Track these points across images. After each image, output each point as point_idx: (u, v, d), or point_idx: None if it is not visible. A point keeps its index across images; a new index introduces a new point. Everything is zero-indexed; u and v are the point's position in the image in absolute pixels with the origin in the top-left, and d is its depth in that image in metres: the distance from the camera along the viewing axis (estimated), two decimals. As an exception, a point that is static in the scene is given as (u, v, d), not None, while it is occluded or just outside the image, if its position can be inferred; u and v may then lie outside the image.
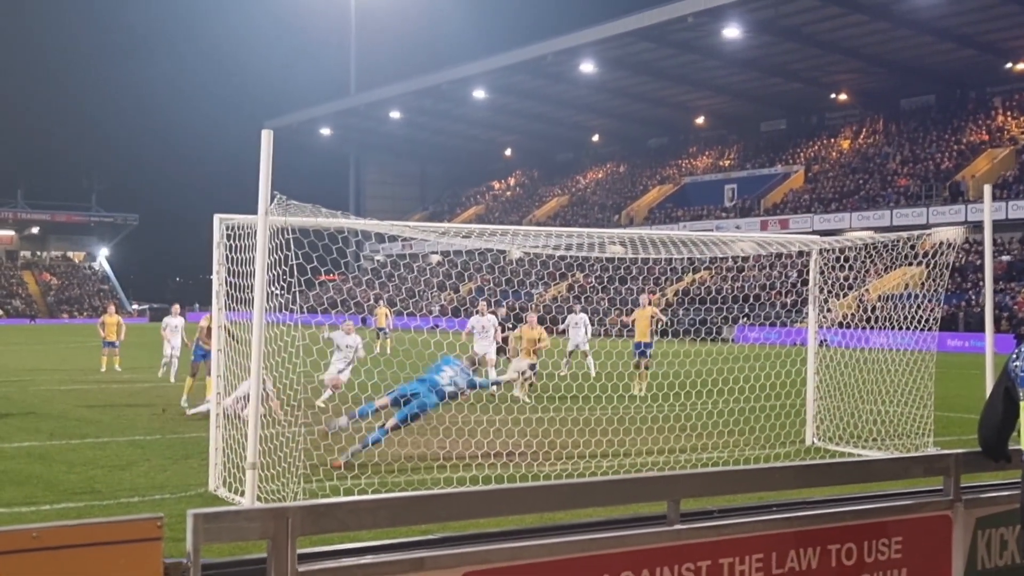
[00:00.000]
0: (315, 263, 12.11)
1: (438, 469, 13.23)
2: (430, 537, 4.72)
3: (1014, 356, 5.48)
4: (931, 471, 6.00)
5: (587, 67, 72.44)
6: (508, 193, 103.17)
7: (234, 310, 12.17)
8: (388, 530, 4.86)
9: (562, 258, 17.63)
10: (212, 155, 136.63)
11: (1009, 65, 66.39)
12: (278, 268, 10.70)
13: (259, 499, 10.34)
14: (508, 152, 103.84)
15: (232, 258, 11.81)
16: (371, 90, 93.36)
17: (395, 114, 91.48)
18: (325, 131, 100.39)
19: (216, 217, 12.09)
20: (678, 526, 5.07)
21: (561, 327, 27.63)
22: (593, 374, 24.79)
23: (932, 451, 13.50)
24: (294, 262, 10.91)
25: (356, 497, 4.73)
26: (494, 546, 4.64)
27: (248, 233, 11.19)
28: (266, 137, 10.01)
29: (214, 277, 12.17)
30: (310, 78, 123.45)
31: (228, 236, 11.95)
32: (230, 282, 11.98)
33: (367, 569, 4.35)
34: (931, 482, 6.08)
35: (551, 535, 4.84)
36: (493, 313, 23.50)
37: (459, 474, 12.71)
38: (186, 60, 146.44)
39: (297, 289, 10.88)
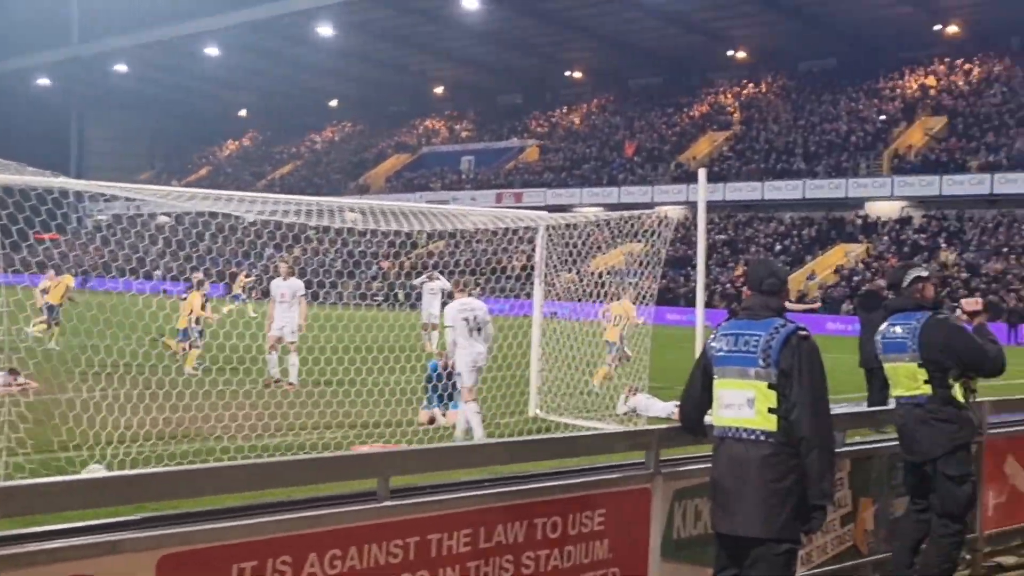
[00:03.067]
0: (22, 224, 11.37)
1: (157, 439, 12.71)
2: (126, 518, 4.50)
3: (712, 336, 5.76)
4: (634, 446, 6.23)
5: (325, 30, 71.50)
6: (243, 153, 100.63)
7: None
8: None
9: (291, 226, 17.16)
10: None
11: (731, 52, 70.13)
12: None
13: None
14: (243, 112, 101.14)
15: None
16: (96, 40, 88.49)
17: (122, 67, 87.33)
18: (43, 81, 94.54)
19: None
20: (387, 503, 5.05)
21: (412, 298, 25.17)
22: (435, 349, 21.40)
23: (640, 427, 14.09)
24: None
25: (42, 480, 4.44)
26: (194, 527, 4.48)
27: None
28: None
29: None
30: (26, 21, 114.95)
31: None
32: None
33: (54, 554, 4.10)
34: (636, 455, 6.32)
35: (255, 514, 4.71)
36: (438, 278, 20.85)
37: (182, 448, 12.27)
38: None
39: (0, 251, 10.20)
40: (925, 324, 7.12)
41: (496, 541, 5.38)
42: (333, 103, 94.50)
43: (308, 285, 19.85)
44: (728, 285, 51.26)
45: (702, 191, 14.44)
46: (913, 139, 58.18)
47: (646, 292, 16.65)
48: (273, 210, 15.70)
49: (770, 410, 5.37)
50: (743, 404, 5.45)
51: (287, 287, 18.94)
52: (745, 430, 5.43)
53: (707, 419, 5.84)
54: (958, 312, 7.84)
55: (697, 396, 5.83)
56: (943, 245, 51.28)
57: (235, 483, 4.86)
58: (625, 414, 16.24)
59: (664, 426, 6.28)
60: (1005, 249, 49.17)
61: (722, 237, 57.75)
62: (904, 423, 7.26)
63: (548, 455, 6.16)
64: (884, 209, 56.02)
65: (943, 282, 44.41)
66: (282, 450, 12.41)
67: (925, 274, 7.47)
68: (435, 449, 6.08)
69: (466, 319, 14.10)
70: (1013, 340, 40.98)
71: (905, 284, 7.37)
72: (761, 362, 5.39)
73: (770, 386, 5.37)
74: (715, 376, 5.63)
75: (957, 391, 7.08)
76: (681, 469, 6.27)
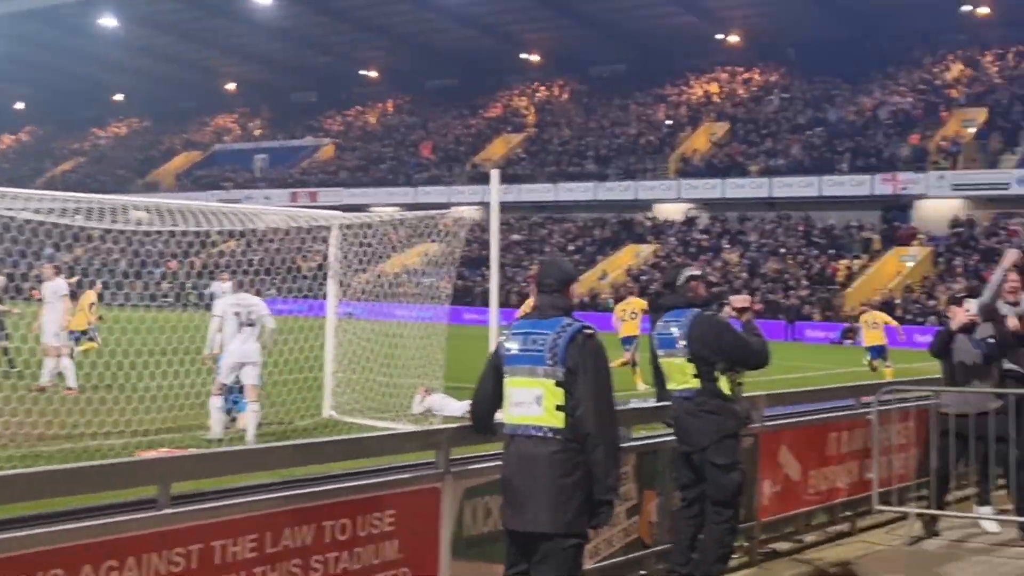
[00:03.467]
0: None
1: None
2: None
3: (504, 336, 5.80)
4: (425, 446, 6.22)
5: (108, 21, 68.83)
6: (20, 148, 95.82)
7: None
8: None
9: (68, 226, 16.26)
10: None
11: (524, 55, 71.19)
12: None
13: None
14: (20, 105, 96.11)
15: None
16: None
17: None
18: None
19: None
20: (167, 510, 4.88)
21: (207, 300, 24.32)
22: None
23: (433, 426, 14.10)
24: None
25: None
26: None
27: None
28: None
29: None
30: None
31: None
32: None
33: None
34: (428, 455, 6.31)
35: (22, 527, 4.48)
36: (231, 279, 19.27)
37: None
38: None
39: None
40: (694, 321, 7.51)
41: (284, 545, 5.28)
42: (118, 97, 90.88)
43: (91, 286, 19.04)
44: (524, 284, 52.00)
45: (495, 192, 14.62)
46: (698, 144, 60.42)
47: (442, 292, 16.71)
48: (51, 208, 14.99)
49: (558, 407, 5.43)
50: (532, 402, 5.50)
51: (49, 288, 18.01)
52: (534, 427, 5.48)
53: (499, 417, 5.88)
54: (727, 308, 8.18)
55: (488, 394, 5.85)
56: (726, 246, 53.42)
57: (1, 495, 4.60)
58: (421, 414, 16.23)
59: (455, 425, 6.29)
60: (783, 250, 51.62)
61: (517, 237, 58.52)
62: (677, 415, 7.61)
63: (336, 457, 6.08)
64: (671, 211, 57.97)
65: (728, 282, 46.26)
66: (61, 458, 11.85)
67: (698, 273, 7.88)
68: (218, 453, 5.92)
69: (237, 313, 13.90)
70: (790, 336, 43.08)
71: (679, 283, 7.75)
72: (548, 360, 5.45)
73: (557, 384, 5.43)
74: (506, 375, 5.67)
75: (724, 384, 7.47)
76: (471, 468, 6.29)
